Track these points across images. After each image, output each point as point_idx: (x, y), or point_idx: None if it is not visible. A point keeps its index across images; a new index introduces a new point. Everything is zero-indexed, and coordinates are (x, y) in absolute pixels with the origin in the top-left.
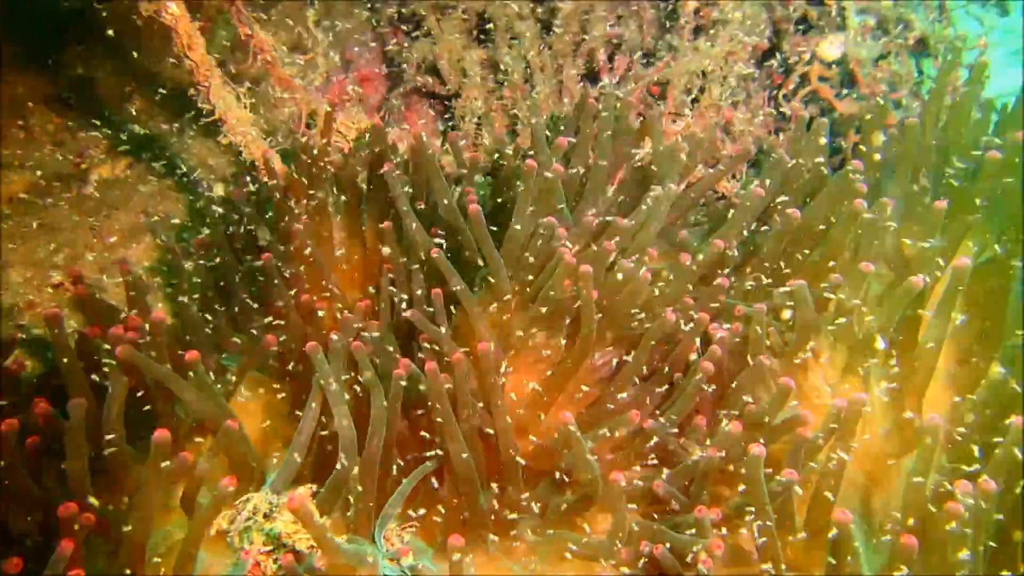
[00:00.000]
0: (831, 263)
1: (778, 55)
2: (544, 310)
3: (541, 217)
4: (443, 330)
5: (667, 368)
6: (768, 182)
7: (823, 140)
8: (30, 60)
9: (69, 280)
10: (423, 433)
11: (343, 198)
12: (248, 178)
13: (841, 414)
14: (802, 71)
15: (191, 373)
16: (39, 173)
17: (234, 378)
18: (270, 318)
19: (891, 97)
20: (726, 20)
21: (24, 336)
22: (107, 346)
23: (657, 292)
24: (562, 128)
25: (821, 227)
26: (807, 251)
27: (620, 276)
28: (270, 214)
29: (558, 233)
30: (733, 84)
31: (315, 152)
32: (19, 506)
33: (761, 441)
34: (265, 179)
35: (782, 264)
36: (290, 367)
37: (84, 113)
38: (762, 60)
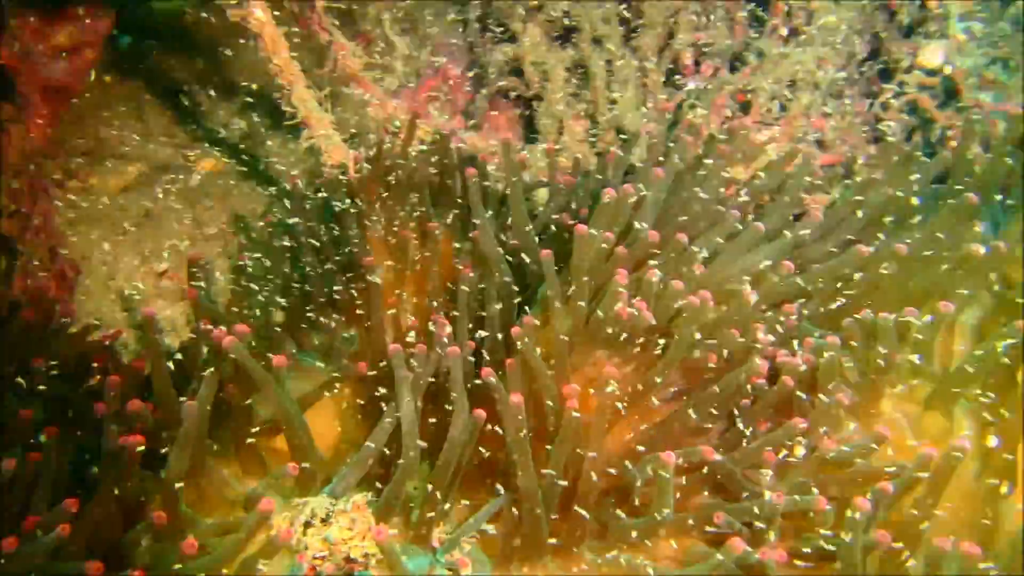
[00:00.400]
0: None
1: (875, 62)
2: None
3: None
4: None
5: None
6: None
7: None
8: (135, 59)
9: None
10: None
11: (414, 203)
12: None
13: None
14: (900, 79)
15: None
16: (152, 164)
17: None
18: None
19: (996, 109)
20: (819, 24)
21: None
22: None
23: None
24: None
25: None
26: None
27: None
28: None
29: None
30: (824, 91)
31: (394, 159)
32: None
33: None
34: (345, 181)
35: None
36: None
37: (184, 112)
38: (862, 67)
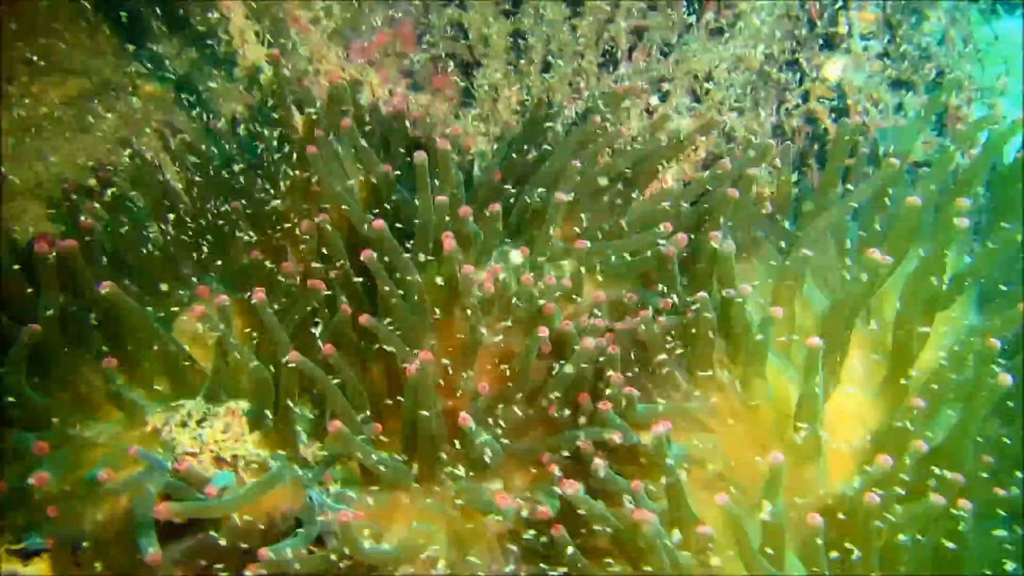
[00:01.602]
0: None
1: (790, 69)
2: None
3: None
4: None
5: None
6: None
7: None
8: None
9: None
10: None
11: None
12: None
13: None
14: (805, 88)
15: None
16: (96, 81)
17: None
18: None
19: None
20: (743, 26)
21: None
22: None
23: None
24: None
25: None
26: None
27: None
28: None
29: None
30: (739, 91)
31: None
32: None
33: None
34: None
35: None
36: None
37: (133, 36)
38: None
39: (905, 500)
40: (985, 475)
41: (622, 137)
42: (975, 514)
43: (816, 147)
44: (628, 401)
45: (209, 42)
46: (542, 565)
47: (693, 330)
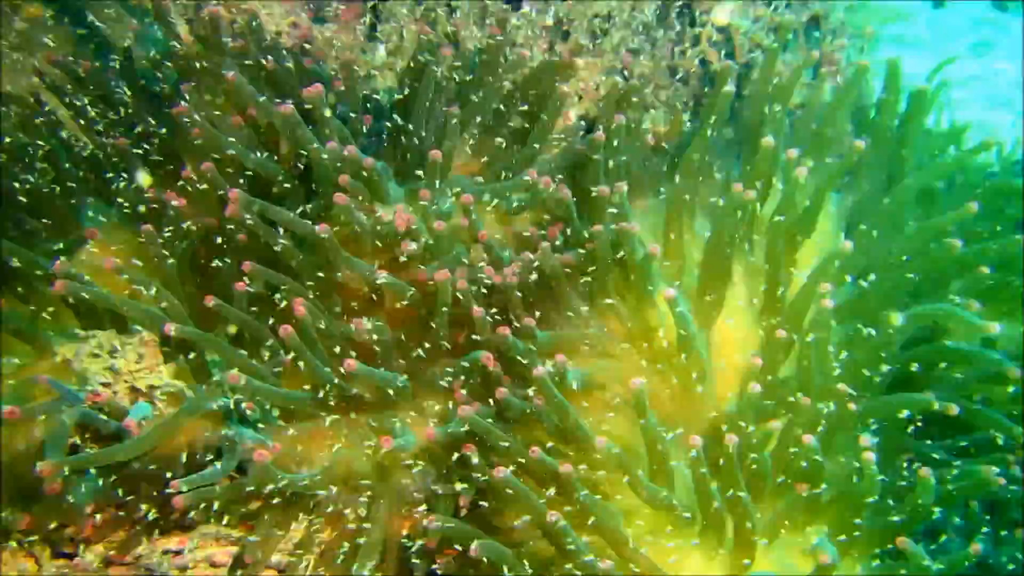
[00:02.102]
0: None
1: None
2: None
3: None
4: None
5: None
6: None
7: None
8: None
9: None
10: None
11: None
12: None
13: None
14: (697, 32)
15: None
16: None
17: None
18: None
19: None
20: None
21: None
22: None
23: None
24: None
25: None
26: None
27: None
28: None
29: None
30: (634, 31)
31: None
32: None
33: None
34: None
35: None
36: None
37: None
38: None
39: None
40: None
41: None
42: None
43: (709, 89)
44: (528, 332)
45: None
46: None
47: (591, 262)
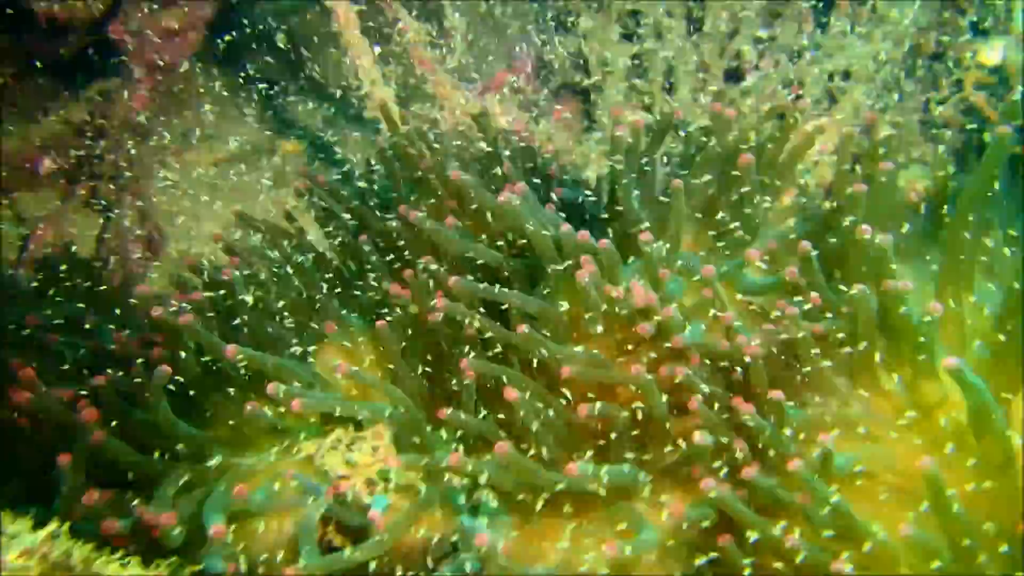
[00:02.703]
0: None
1: (937, 59)
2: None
3: None
4: None
5: None
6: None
7: None
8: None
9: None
10: None
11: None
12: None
13: None
14: (958, 77)
15: None
16: (243, 144)
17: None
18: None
19: None
20: (881, 18)
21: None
22: None
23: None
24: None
25: None
26: None
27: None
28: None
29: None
30: (879, 85)
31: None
32: None
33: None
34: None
35: None
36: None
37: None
38: (930, 65)
39: None
40: None
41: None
42: None
43: (976, 139)
44: (775, 406)
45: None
46: None
47: (849, 330)
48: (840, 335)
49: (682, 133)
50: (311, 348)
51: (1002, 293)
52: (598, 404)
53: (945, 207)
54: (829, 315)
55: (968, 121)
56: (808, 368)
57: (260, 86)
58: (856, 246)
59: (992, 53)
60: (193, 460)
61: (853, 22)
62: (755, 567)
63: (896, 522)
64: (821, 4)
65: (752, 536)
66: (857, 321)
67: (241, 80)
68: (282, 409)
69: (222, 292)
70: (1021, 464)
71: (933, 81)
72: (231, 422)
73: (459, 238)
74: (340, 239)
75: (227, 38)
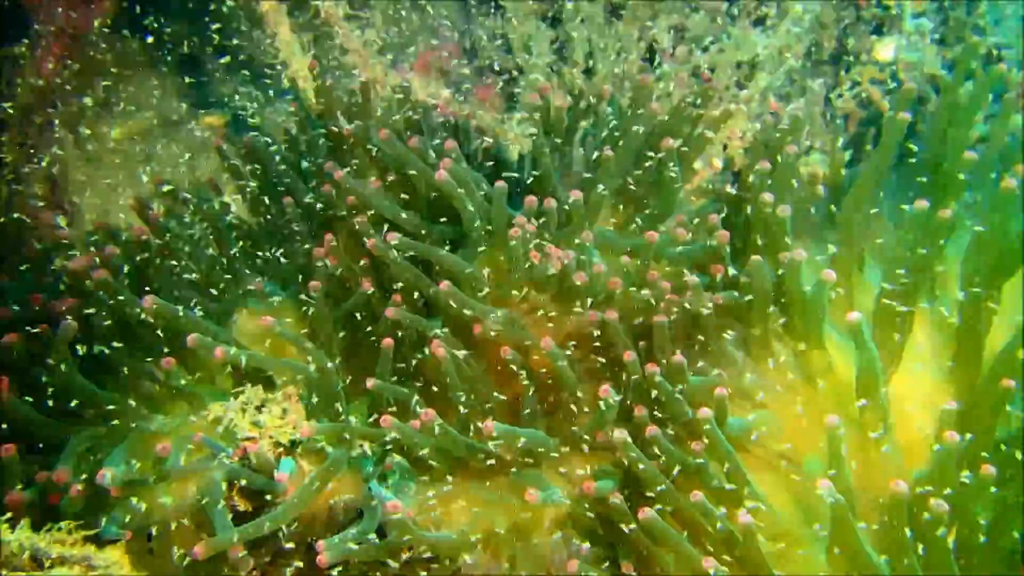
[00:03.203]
0: None
1: (838, 54)
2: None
3: None
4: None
5: None
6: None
7: None
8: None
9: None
10: None
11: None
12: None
13: None
14: (857, 72)
15: None
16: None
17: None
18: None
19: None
20: (784, 13)
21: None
22: None
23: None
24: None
25: None
26: None
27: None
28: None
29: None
30: (783, 75)
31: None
32: None
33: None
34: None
35: None
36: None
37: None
38: (834, 61)
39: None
40: None
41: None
42: None
43: (871, 131)
44: (677, 369)
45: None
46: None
47: (748, 301)
48: (738, 310)
49: (603, 110)
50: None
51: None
52: (511, 351)
53: (841, 192)
54: (732, 292)
55: (864, 113)
56: (707, 338)
57: (176, 55)
58: (758, 220)
59: (885, 50)
60: (99, 422)
61: (760, 15)
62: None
63: (780, 489)
64: None
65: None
66: (754, 290)
67: (156, 49)
68: (195, 376)
69: (137, 257)
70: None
71: (834, 75)
72: (141, 383)
73: (384, 199)
74: (259, 204)
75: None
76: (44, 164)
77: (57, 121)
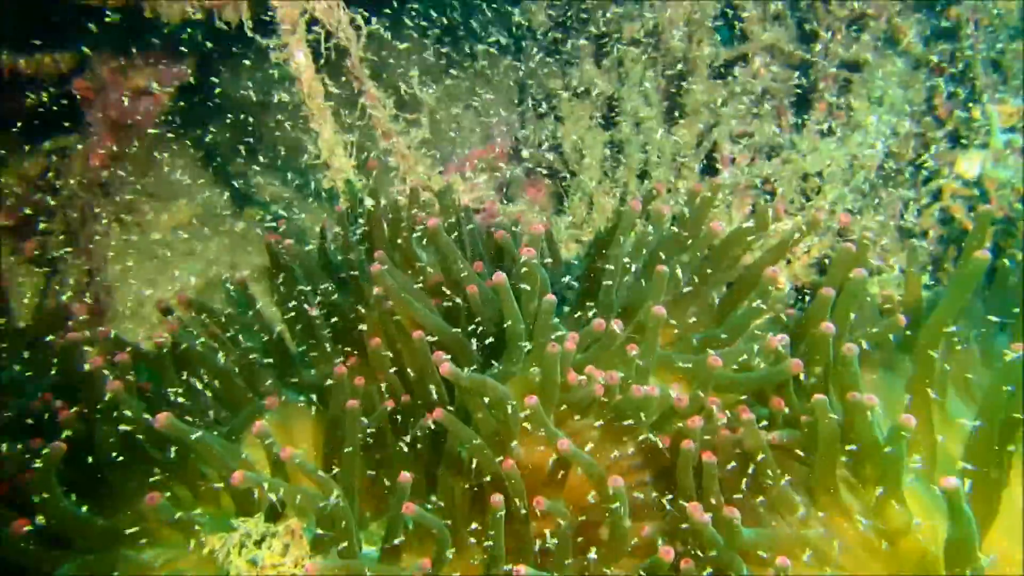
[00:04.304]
0: None
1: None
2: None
3: None
4: None
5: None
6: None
7: None
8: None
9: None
10: None
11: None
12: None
13: None
14: (937, 186)
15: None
16: (205, 208)
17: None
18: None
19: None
20: (858, 124)
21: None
22: None
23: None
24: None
25: None
26: None
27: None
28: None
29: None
30: (854, 188)
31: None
32: None
33: None
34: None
35: None
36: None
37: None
38: (911, 174)
39: None
40: None
41: (716, 236)
42: None
43: (952, 250)
44: (728, 525)
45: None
46: None
47: (808, 441)
48: (799, 448)
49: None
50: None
51: (974, 412)
52: (547, 502)
53: (919, 318)
54: (792, 430)
55: (946, 231)
56: (766, 482)
57: (223, 153)
58: (820, 352)
59: (970, 165)
60: (88, 550)
61: (830, 124)
62: None
63: None
64: (800, 103)
65: None
66: (819, 434)
67: (205, 145)
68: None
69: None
70: None
71: (911, 189)
72: (134, 509)
73: (423, 308)
74: (293, 312)
75: (195, 101)
76: (83, 255)
77: (101, 211)
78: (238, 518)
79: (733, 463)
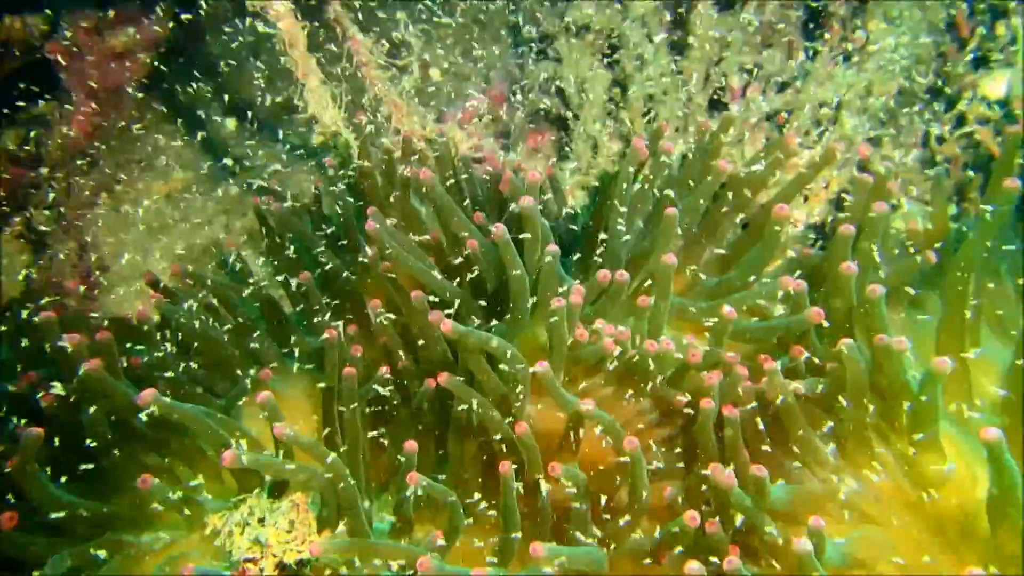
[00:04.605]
0: None
1: (935, 91)
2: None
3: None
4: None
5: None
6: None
7: None
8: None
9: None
10: None
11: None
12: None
13: None
14: (959, 111)
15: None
16: (198, 175)
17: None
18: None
19: None
20: (874, 47)
21: None
22: None
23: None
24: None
25: None
26: None
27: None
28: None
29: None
30: (872, 117)
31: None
32: None
33: None
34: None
35: None
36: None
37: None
38: (931, 98)
39: None
40: None
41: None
42: None
43: (979, 178)
44: (756, 484)
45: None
46: None
47: (834, 390)
48: (826, 400)
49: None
50: (242, 399)
51: (1011, 350)
52: (562, 467)
53: (945, 252)
54: (818, 379)
55: (971, 157)
56: (795, 432)
57: (210, 115)
58: (842, 294)
59: (995, 85)
60: (82, 537)
61: (844, 49)
62: None
63: None
64: (811, 29)
65: None
66: (848, 382)
67: (188, 107)
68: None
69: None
70: None
71: (932, 115)
72: (129, 491)
73: (422, 266)
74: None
75: (180, 62)
76: (72, 229)
77: (89, 181)
78: (240, 494)
79: (757, 418)
